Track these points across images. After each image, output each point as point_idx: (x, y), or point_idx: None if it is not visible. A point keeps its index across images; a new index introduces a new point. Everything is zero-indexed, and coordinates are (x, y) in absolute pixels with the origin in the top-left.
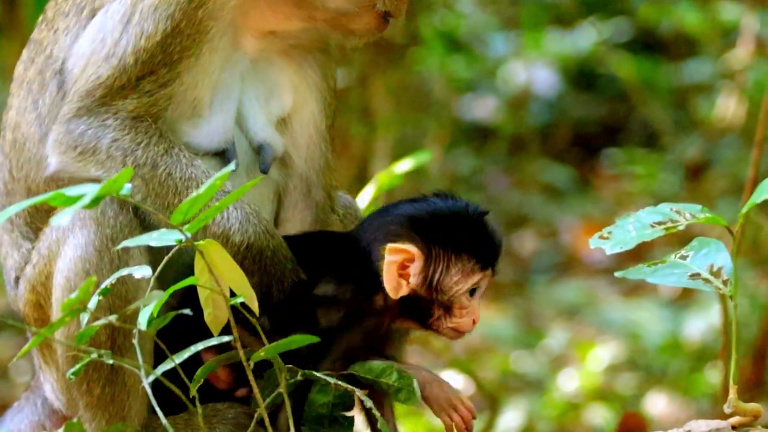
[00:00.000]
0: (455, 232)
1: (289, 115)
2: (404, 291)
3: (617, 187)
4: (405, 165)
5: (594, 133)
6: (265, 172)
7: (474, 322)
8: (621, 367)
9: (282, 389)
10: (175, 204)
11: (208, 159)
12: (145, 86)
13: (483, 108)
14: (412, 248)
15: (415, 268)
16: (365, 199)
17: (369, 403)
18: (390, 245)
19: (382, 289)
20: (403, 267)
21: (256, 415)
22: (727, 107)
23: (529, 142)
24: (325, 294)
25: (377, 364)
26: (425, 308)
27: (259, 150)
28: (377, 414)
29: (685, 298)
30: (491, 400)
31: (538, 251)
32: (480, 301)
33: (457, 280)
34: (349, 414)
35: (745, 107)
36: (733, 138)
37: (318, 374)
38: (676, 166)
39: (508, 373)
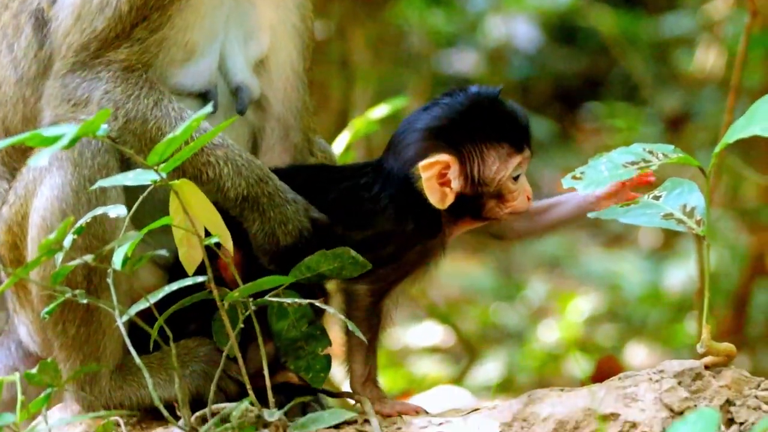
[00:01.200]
0: (478, 123)
1: (266, 57)
2: (450, 198)
3: (598, 140)
4: (381, 110)
5: (574, 86)
6: (241, 113)
7: (528, 199)
8: (601, 318)
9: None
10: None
11: (191, 100)
12: (138, 34)
13: (463, 62)
14: (442, 156)
15: (453, 173)
16: (341, 145)
17: (330, 309)
18: (421, 164)
19: (434, 209)
20: (441, 176)
21: (225, 350)
22: (707, 59)
23: (509, 96)
24: (380, 231)
25: (311, 257)
26: (476, 205)
27: (236, 91)
28: (341, 317)
29: (665, 249)
30: (470, 351)
31: None
32: (525, 180)
33: (497, 169)
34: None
35: (725, 59)
36: (712, 90)
37: (271, 299)
38: (656, 119)
39: (488, 324)
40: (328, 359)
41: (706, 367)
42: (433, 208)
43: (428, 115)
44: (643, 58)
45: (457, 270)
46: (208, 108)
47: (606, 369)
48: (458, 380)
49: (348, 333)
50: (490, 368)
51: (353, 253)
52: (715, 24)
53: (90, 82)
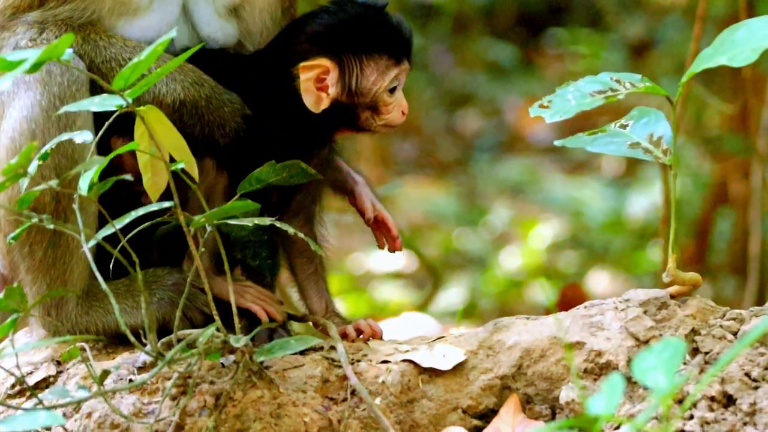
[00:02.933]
0: (361, 33)
1: (240, 4)
2: (325, 104)
3: (561, 66)
4: None
5: (538, 12)
6: None
7: (403, 114)
8: (563, 244)
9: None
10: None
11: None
12: (49, 3)
13: None
14: (323, 61)
15: (331, 79)
16: None
17: (291, 230)
18: (302, 64)
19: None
20: (319, 80)
21: (189, 278)
22: None
23: (473, 21)
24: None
25: (260, 169)
26: (351, 114)
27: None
28: (301, 235)
29: (628, 176)
30: (434, 276)
31: (481, 129)
32: (401, 94)
33: (374, 80)
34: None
35: None
36: (676, 18)
37: (237, 222)
38: (619, 46)
39: (450, 250)
40: (274, 247)
41: (672, 297)
42: (308, 112)
43: (316, 20)
44: None
45: (420, 195)
46: (172, 33)
47: (570, 296)
48: (422, 306)
49: (292, 271)
50: (453, 294)
51: (303, 164)
52: None
53: (11, 38)
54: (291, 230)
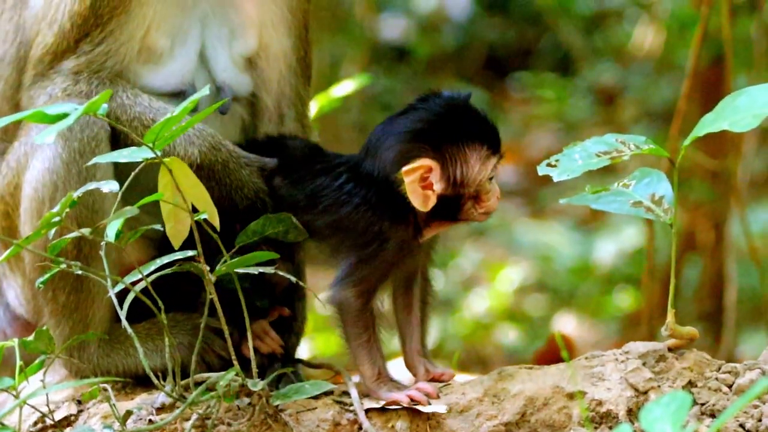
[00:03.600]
0: (457, 126)
1: (256, 53)
2: (433, 201)
3: (526, 110)
4: (344, 88)
5: (506, 56)
6: (223, 113)
7: (498, 199)
8: (531, 288)
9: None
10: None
11: (167, 100)
12: (83, 47)
13: (395, 29)
14: (425, 161)
15: (435, 176)
16: None
17: (293, 279)
18: (404, 169)
19: (411, 208)
20: (423, 180)
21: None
22: (645, 36)
23: (442, 64)
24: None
25: (256, 222)
26: (455, 206)
27: (218, 91)
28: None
29: (595, 221)
30: None
31: None
32: (495, 181)
33: (479, 169)
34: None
35: (663, 36)
36: (644, 65)
37: (249, 270)
38: (586, 92)
39: None
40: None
41: (670, 349)
42: (408, 210)
43: (407, 119)
44: (575, 30)
45: None
46: (205, 90)
47: (556, 346)
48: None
49: (346, 339)
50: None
51: (294, 219)
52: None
53: (48, 88)
54: (293, 279)
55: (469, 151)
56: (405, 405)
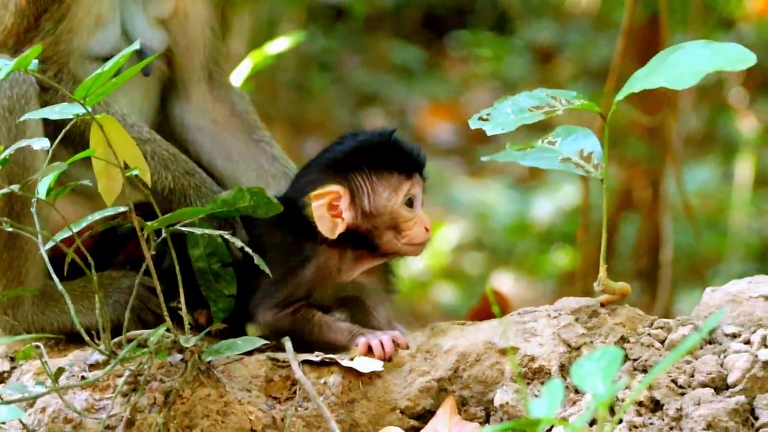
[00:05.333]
0: (368, 155)
1: (172, 13)
2: (341, 228)
3: (464, 69)
4: (279, 45)
5: (443, 14)
6: (146, 74)
7: (427, 230)
8: (468, 246)
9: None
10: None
11: (99, 62)
12: (45, 26)
13: None
14: (332, 187)
15: (344, 204)
16: (239, 77)
17: (239, 243)
18: (313, 193)
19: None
20: (332, 207)
21: (136, 280)
22: None
23: (380, 23)
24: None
25: (228, 193)
26: (372, 237)
27: (139, 54)
28: (249, 250)
29: (532, 179)
30: None
31: None
32: (421, 211)
33: (388, 196)
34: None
35: None
36: (582, 23)
37: (187, 229)
38: (524, 50)
39: None
40: (230, 302)
41: (602, 305)
42: (317, 238)
43: (328, 152)
44: None
45: None
46: (136, 45)
47: (489, 303)
48: None
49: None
50: None
51: (269, 193)
52: None
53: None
54: (239, 243)
55: (377, 178)
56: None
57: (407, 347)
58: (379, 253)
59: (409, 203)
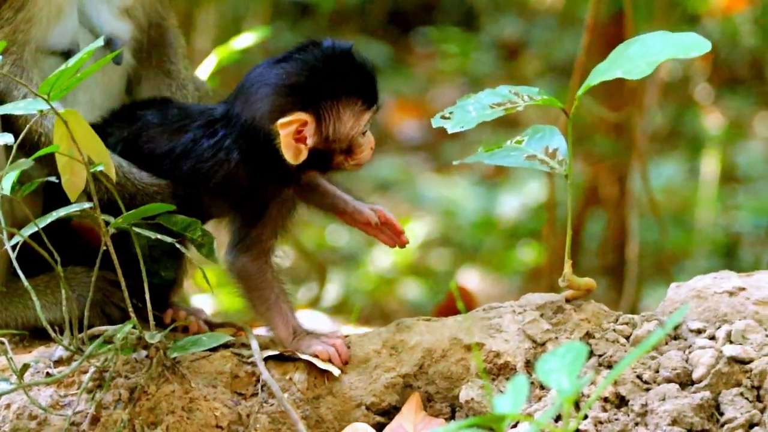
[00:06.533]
0: (334, 80)
1: (131, 5)
2: (304, 155)
3: (431, 65)
4: (244, 40)
5: (410, 10)
6: (118, 63)
7: (372, 150)
8: (435, 243)
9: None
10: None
11: (54, 59)
12: (5, 14)
13: None
14: (301, 115)
15: (309, 131)
16: (204, 73)
17: (183, 250)
18: (279, 121)
19: (282, 160)
20: (297, 133)
21: (93, 276)
22: None
23: (346, 19)
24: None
25: (182, 218)
26: (326, 158)
27: (108, 43)
28: (188, 256)
29: (498, 176)
30: (320, 273)
31: None
32: (370, 132)
33: (351, 125)
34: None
35: None
36: (548, 19)
37: (134, 228)
38: (490, 46)
39: (324, 246)
40: (170, 282)
41: (567, 301)
42: (278, 161)
43: (283, 70)
44: None
45: None
46: (99, 41)
47: (454, 299)
48: (313, 303)
49: (252, 306)
50: (328, 290)
51: (214, 245)
52: None
53: None
54: (188, 254)
55: (342, 107)
56: (325, 358)
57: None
58: (328, 170)
59: (364, 131)
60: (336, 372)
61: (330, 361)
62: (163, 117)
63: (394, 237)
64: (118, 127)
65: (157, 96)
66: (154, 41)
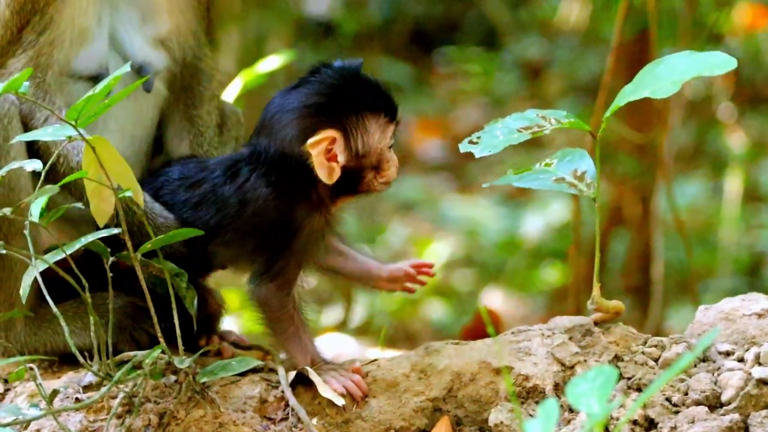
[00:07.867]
0: (354, 96)
1: (168, 34)
2: (338, 173)
3: (452, 85)
4: (270, 63)
5: (432, 30)
6: (148, 90)
7: (396, 168)
8: (458, 263)
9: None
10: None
11: (82, 83)
12: (27, 37)
13: (321, 4)
14: (329, 132)
15: (339, 147)
16: (229, 96)
17: (183, 285)
18: (309, 141)
19: (315, 184)
20: (328, 152)
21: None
22: (570, 10)
23: (369, 40)
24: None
25: (172, 266)
26: (358, 177)
27: (139, 70)
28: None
29: (522, 196)
30: (347, 295)
31: None
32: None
33: (379, 137)
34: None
35: (589, 9)
36: (571, 39)
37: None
38: (513, 66)
39: None
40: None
41: (596, 324)
42: (311, 186)
43: (301, 94)
44: (501, 3)
45: None
46: (126, 67)
47: (482, 321)
48: (340, 326)
49: (272, 334)
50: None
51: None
52: None
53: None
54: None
55: (368, 120)
56: (339, 394)
57: (366, 394)
58: (358, 192)
59: (390, 145)
60: (339, 402)
61: (349, 393)
62: (182, 172)
63: (425, 273)
64: (143, 184)
65: (182, 154)
66: (186, 82)
